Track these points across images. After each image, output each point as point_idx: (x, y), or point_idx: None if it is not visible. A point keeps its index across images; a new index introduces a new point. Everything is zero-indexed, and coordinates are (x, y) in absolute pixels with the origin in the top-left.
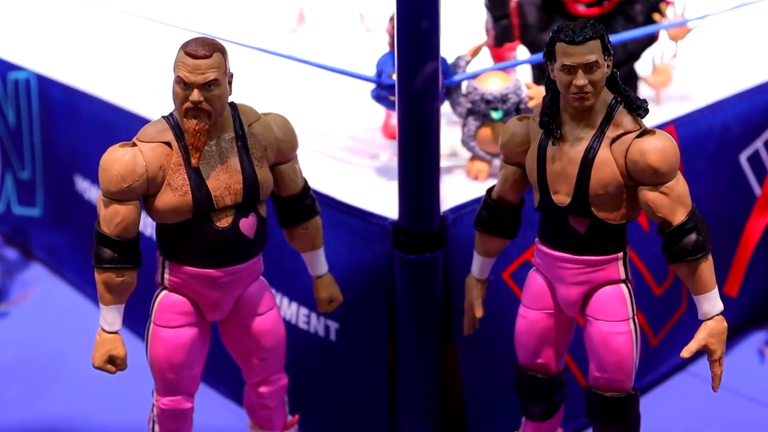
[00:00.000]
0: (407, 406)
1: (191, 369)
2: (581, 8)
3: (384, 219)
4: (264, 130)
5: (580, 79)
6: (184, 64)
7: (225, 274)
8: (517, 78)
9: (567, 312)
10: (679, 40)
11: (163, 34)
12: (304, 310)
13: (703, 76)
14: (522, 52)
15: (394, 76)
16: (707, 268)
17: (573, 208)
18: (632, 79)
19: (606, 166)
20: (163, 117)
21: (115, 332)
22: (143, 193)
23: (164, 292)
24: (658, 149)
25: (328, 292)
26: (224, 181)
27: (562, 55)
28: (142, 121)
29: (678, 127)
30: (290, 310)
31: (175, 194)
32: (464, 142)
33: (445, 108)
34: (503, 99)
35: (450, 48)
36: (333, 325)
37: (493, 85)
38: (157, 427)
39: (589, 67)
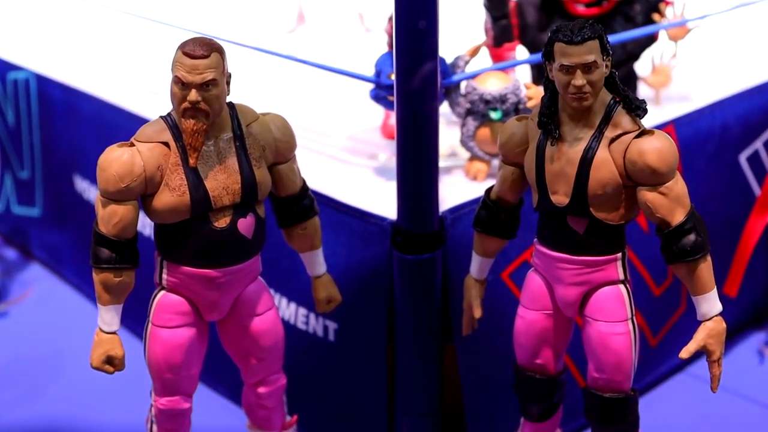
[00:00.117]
0: (406, 407)
1: (189, 369)
2: (580, 8)
3: (383, 219)
4: (262, 130)
5: (579, 79)
6: (182, 64)
7: (223, 275)
8: (516, 78)
9: (566, 312)
10: (679, 40)
11: (163, 34)
12: (302, 310)
13: (702, 76)
14: (521, 52)
15: (393, 76)
16: (706, 268)
17: (571, 208)
18: (632, 79)
19: (605, 166)
20: (161, 117)
21: (113, 332)
22: (141, 193)
23: (162, 292)
24: (657, 149)
25: (326, 292)
26: (222, 181)
27: (560, 55)
28: (141, 121)
29: (677, 127)
30: (289, 310)
31: (173, 194)
32: (463, 143)
33: (444, 108)
34: (502, 99)
35: (449, 48)
36: (332, 326)
37: (492, 85)
38: (155, 427)
39: (587, 67)
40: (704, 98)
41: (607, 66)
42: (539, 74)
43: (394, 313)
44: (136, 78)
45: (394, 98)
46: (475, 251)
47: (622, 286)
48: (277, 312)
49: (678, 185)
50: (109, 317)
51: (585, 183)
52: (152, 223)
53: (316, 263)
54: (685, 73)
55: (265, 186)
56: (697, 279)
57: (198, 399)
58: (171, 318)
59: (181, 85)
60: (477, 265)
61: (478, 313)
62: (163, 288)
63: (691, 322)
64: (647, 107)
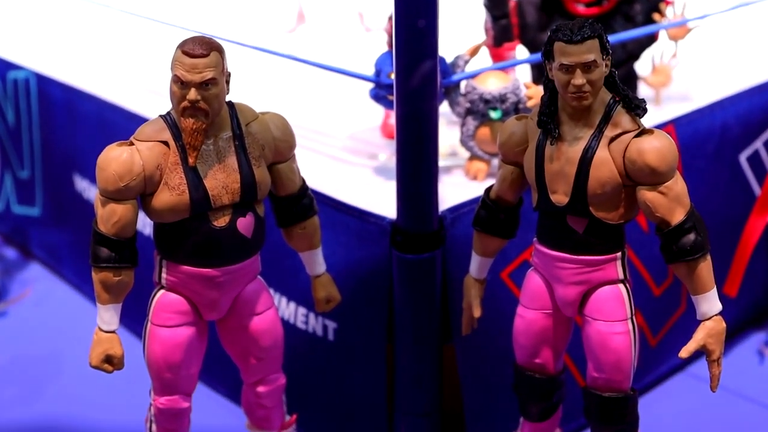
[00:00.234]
0: (405, 406)
1: (188, 368)
2: (580, 8)
3: (382, 219)
4: (262, 129)
5: (578, 79)
6: (182, 63)
7: (222, 274)
8: (516, 78)
9: (565, 312)
10: (679, 40)
11: (163, 34)
12: (302, 310)
13: (702, 76)
14: (521, 51)
15: (393, 76)
16: (706, 268)
17: (571, 207)
18: (632, 78)
19: (604, 165)
20: (161, 116)
21: (112, 331)
22: (140, 192)
23: (162, 291)
24: (657, 149)
25: (326, 291)
26: (222, 180)
27: (560, 55)
28: (141, 121)
29: (677, 127)
30: (288, 309)
31: (172, 193)
32: (463, 142)
33: (444, 107)
34: (502, 99)
35: (449, 47)
36: (331, 325)
37: (492, 84)
38: (154, 427)
39: (587, 67)
40: (704, 98)
41: (606, 65)
42: (539, 74)
43: (394, 312)
44: (135, 77)
45: (393, 97)
46: (474, 251)
47: (621, 286)
48: (276, 311)
49: (678, 185)
50: (108, 316)
51: (585, 182)
52: (152, 223)
53: (316, 263)
54: (685, 73)
55: (264, 185)
56: (697, 278)
57: (197, 398)
58: (170, 317)
59: (180, 84)
60: (476, 265)
61: (477, 312)
62: (162, 287)
63: (691, 321)
64: (647, 107)
